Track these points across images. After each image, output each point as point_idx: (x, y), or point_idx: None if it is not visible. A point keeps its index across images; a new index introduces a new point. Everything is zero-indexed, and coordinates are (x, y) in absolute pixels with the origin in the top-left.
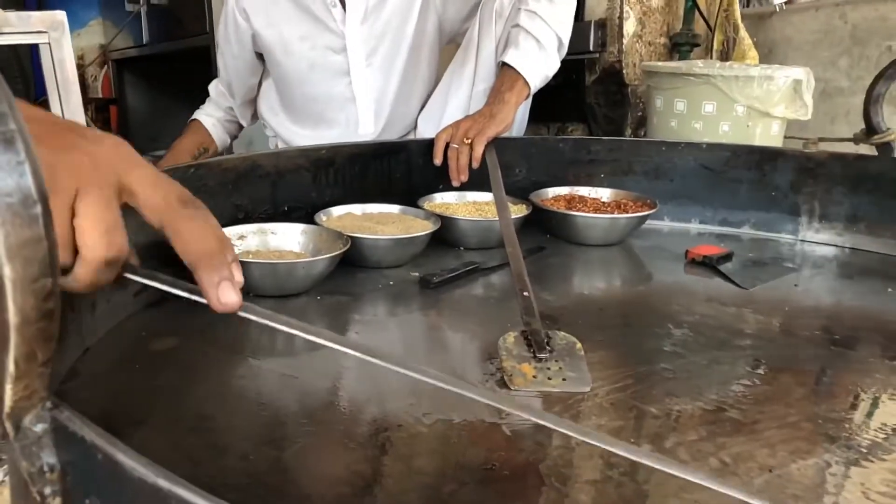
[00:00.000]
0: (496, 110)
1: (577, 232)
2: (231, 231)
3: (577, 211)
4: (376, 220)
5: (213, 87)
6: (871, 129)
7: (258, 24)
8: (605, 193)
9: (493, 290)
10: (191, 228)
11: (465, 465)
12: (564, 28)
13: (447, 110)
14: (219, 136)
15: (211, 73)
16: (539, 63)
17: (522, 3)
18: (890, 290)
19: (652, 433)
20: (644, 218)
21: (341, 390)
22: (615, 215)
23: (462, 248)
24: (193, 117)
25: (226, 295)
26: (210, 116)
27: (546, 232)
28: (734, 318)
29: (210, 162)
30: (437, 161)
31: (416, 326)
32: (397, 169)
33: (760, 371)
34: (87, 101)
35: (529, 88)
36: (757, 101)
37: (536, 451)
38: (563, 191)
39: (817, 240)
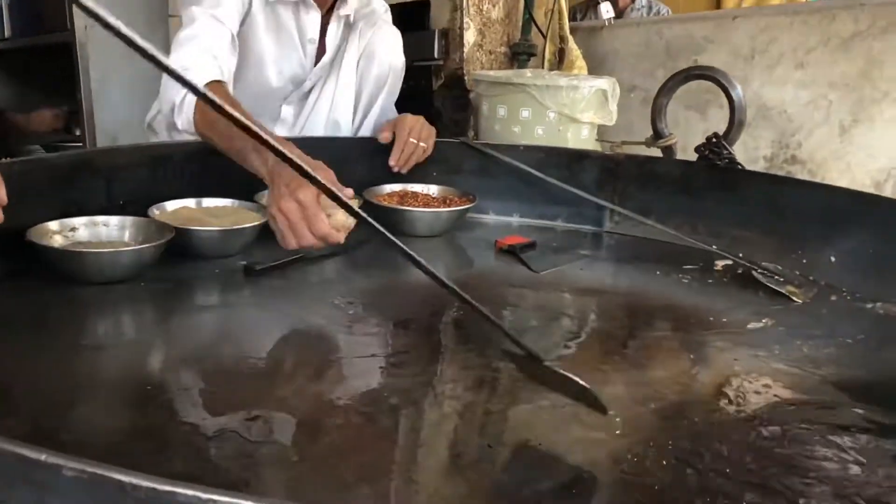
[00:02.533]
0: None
1: (406, 225)
2: (62, 223)
3: (408, 205)
4: (211, 214)
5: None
6: (657, 135)
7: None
8: (434, 190)
9: (314, 276)
10: None
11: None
12: None
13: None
14: None
15: (73, 68)
16: None
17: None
18: (658, 272)
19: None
20: (464, 211)
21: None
22: (437, 209)
23: None
24: (214, 79)
25: None
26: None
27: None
28: (517, 296)
29: (36, 159)
30: (396, 153)
31: (232, 309)
32: (236, 165)
33: None
34: None
35: None
36: (566, 107)
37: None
38: (397, 187)
39: (618, 230)
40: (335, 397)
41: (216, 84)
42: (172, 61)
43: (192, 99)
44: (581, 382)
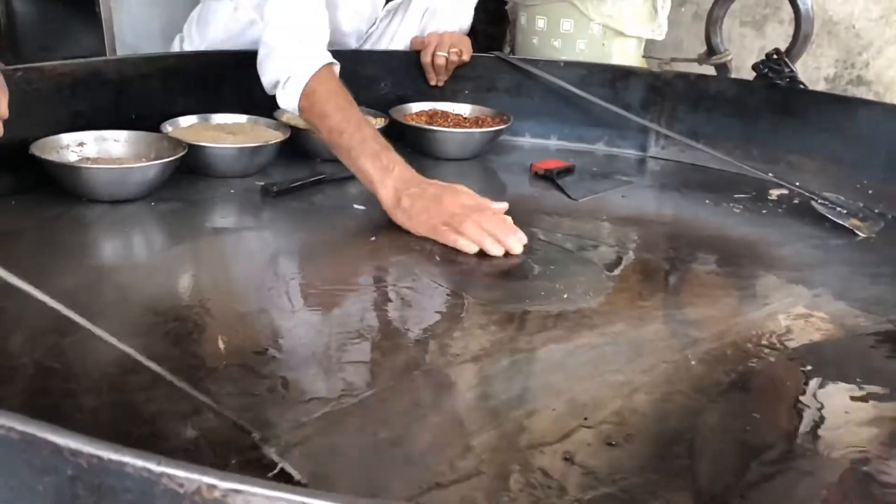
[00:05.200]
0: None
1: (435, 146)
2: (70, 137)
3: (437, 125)
4: (227, 131)
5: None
6: (711, 50)
7: None
8: (466, 110)
9: (335, 199)
10: None
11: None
12: None
13: None
14: None
15: None
16: None
17: None
18: (706, 200)
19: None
20: (498, 132)
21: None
22: (469, 129)
23: (319, 160)
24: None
25: None
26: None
27: (406, 146)
28: (552, 225)
29: (43, 66)
30: (427, 59)
31: (247, 232)
32: (257, 81)
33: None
34: None
35: None
36: (611, 19)
37: None
38: (426, 106)
39: (663, 156)
40: (351, 330)
41: (327, 69)
42: (273, 32)
43: (298, 81)
44: None
